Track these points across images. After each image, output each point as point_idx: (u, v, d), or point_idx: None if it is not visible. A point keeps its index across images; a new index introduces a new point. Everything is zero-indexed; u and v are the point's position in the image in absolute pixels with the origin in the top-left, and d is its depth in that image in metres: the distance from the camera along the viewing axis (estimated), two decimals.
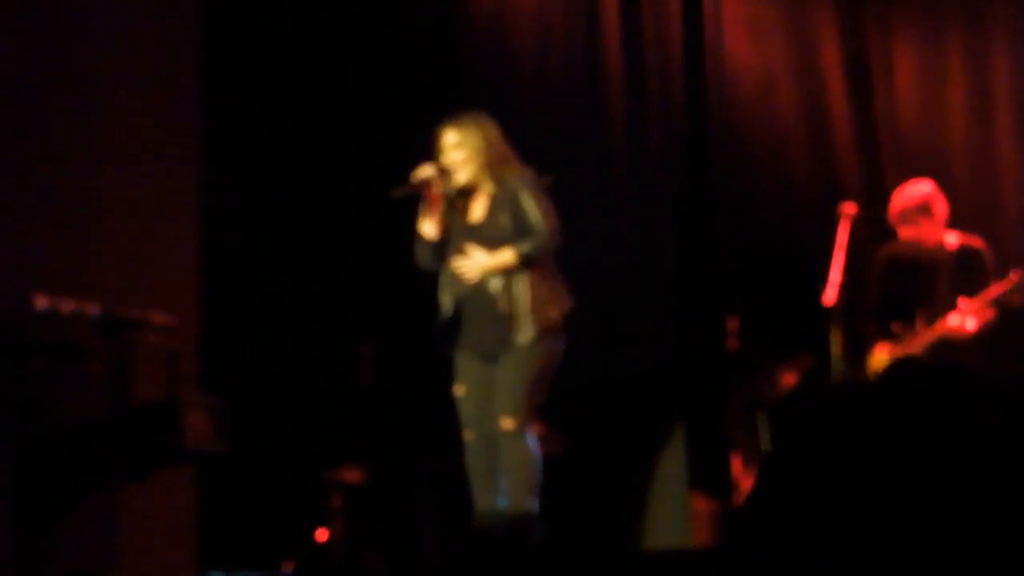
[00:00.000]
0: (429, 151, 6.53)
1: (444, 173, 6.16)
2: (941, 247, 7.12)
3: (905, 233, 7.16)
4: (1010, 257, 7.37)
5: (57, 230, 6.41)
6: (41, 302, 5.82)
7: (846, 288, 6.86)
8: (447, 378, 6.27)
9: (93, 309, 5.94)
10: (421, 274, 6.47)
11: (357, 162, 7.62)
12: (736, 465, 6.97)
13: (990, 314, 6.88)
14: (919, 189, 7.18)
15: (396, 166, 7.48)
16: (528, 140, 6.85)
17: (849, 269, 6.93)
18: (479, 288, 6.14)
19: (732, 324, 7.17)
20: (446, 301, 6.19)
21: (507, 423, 6.00)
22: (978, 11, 8.91)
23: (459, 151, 6.20)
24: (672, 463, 7.18)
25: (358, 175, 7.59)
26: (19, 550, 5.90)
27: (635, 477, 7.26)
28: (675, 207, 8.27)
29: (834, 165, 8.66)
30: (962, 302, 6.87)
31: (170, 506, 6.60)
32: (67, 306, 5.86)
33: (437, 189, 6.16)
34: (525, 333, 6.06)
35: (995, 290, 6.87)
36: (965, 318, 6.85)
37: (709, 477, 7.05)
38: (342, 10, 7.79)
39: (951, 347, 6.87)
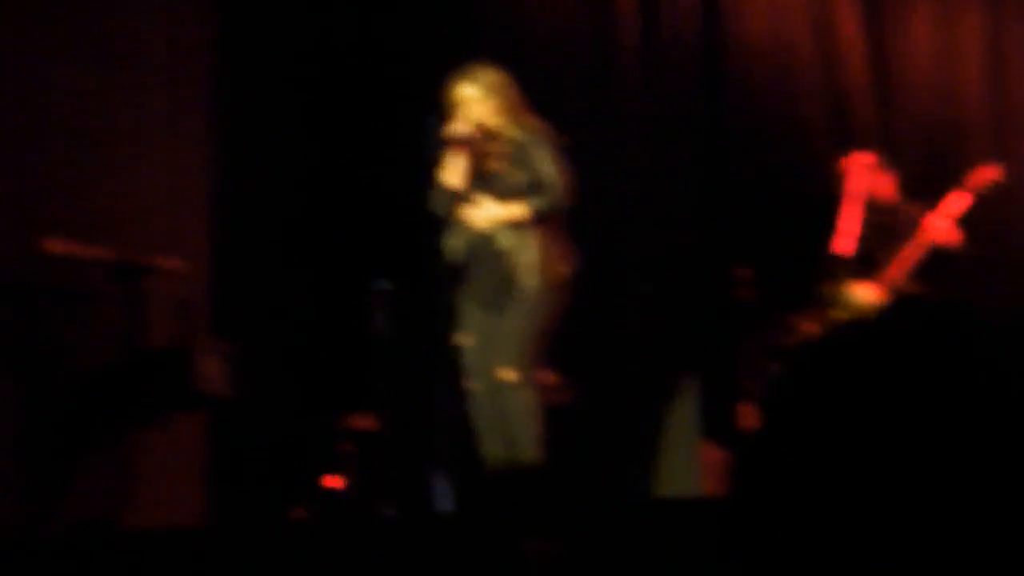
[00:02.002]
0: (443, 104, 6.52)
1: (480, 128, 6.20)
2: (894, 203, 7.15)
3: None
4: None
5: (70, 175, 6.40)
6: (54, 246, 5.83)
7: (860, 236, 6.87)
8: (455, 326, 6.29)
9: (107, 254, 5.95)
10: (436, 220, 6.46)
11: (370, 111, 7.59)
12: (749, 416, 6.97)
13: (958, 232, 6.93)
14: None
15: (410, 116, 7.48)
16: (542, 89, 6.83)
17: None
18: (487, 239, 6.17)
19: (746, 274, 7.15)
20: (454, 247, 6.19)
21: (508, 374, 6.03)
22: None
23: (482, 103, 6.21)
24: (685, 413, 7.17)
25: (371, 125, 7.57)
26: (32, 494, 5.91)
27: (647, 426, 7.25)
28: (688, 157, 8.24)
29: (849, 115, 8.61)
30: (933, 216, 6.91)
31: (182, 451, 6.60)
32: (80, 251, 5.86)
33: (473, 143, 6.20)
34: (530, 286, 6.08)
35: (960, 192, 6.94)
36: (942, 223, 6.89)
37: (721, 427, 7.05)
38: None
39: (946, 262, 6.92)
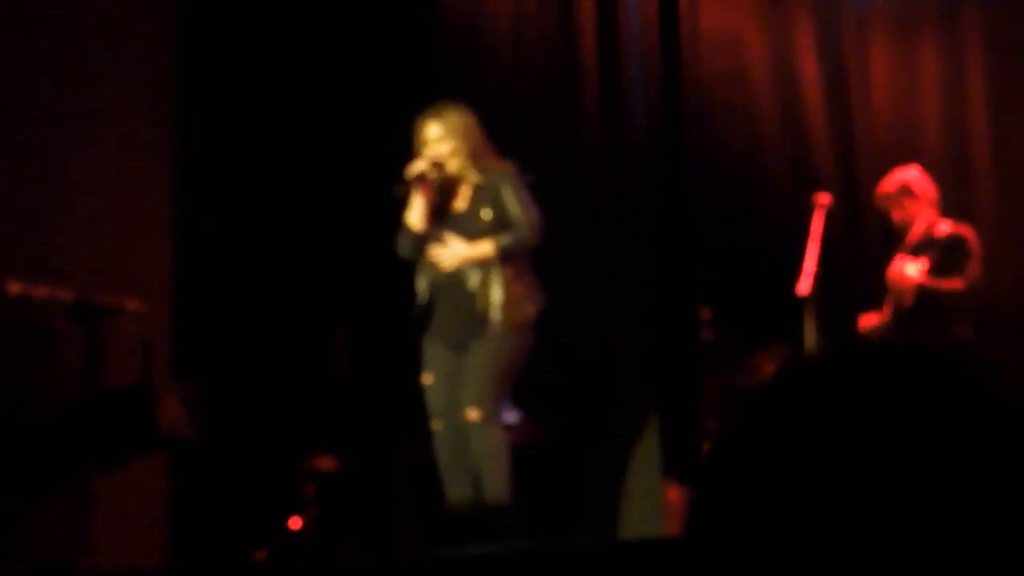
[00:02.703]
0: (405, 141, 6.52)
1: (437, 166, 6.20)
2: (931, 232, 7.17)
3: (895, 216, 7.23)
4: (989, 244, 7.43)
5: (31, 215, 6.39)
6: (14, 287, 5.80)
7: (820, 278, 6.88)
8: (419, 366, 6.28)
9: (66, 295, 5.92)
10: (396, 262, 6.46)
11: (333, 151, 7.61)
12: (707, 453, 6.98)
13: (952, 282, 6.95)
14: (903, 173, 7.28)
15: (371, 156, 7.50)
16: (503, 131, 6.86)
17: (823, 259, 6.96)
18: (455, 278, 6.16)
19: (706, 314, 7.16)
20: (422, 288, 6.20)
21: (473, 414, 6.02)
22: (953, 5, 8.91)
23: (444, 143, 6.24)
24: (647, 452, 7.17)
25: (334, 164, 7.59)
26: None
27: (609, 466, 7.25)
28: (649, 197, 8.27)
29: (809, 155, 8.66)
30: (906, 262, 6.95)
31: (143, 493, 6.58)
32: (40, 291, 5.84)
33: (431, 183, 6.20)
34: (497, 326, 6.08)
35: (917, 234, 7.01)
36: (914, 272, 6.92)
37: (683, 466, 7.05)
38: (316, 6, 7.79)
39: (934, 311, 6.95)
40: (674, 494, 6.89)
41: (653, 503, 6.95)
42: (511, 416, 6.50)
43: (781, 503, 1.03)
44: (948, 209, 7.75)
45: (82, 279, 6.15)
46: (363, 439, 6.78)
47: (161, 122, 7.03)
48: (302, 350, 7.19)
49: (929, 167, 8.22)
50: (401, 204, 6.35)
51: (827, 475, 1.02)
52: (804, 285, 6.84)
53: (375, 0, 7.96)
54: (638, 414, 7.33)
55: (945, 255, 7.05)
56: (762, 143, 8.58)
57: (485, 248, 6.15)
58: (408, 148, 6.60)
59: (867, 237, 8.06)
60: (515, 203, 6.23)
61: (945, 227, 7.19)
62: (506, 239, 6.16)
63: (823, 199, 7.12)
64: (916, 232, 7.18)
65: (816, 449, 1.05)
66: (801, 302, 6.91)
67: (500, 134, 6.57)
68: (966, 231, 7.19)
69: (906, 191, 7.20)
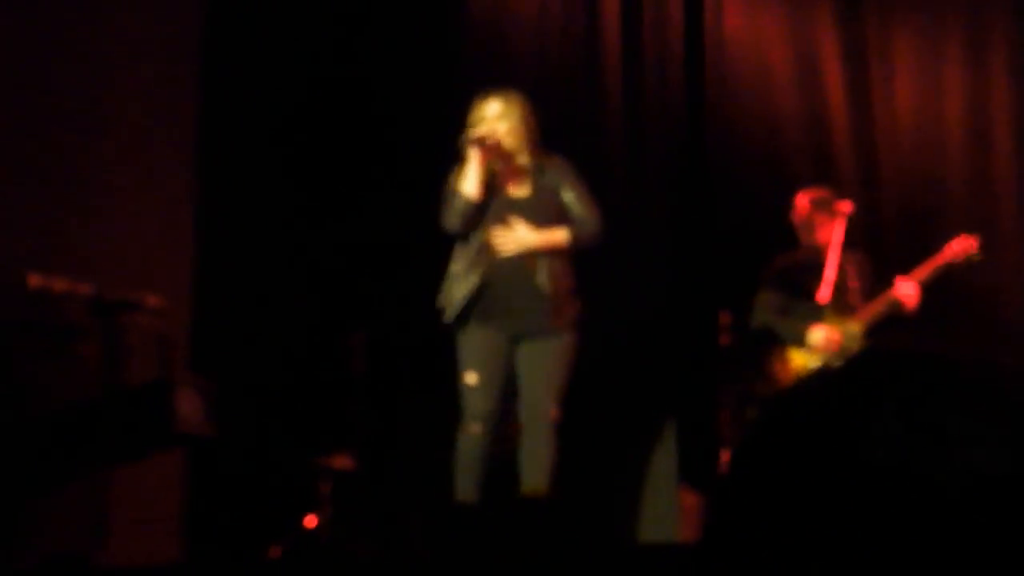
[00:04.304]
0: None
1: (500, 147, 6.09)
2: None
3: (809, 239, 7.20)
4: (1008, 260, 7.42)
5: (52, 210, 6.40)
6: (34, 281, 5.82)
7: (839, 287, 6.88)
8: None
9: (86, 289, 5.94)
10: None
11: (356, 149, 7.61)
12: (727, 461, 6.97)
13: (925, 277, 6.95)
14: (821, 195, 7.24)
15: (395, 156, 7.50)
16: None
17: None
18: (518, 265, 6.04)
19: (725, 319, 7.15)
20: (472, 275, 6.07)
21: (553, 412, 5.98)
22: (977, 12, 8.90)
23: (502, 121, 6.12)
24: (663, 458, 7.17)
25: (357, 163, 7.59)
26: (7, 531, 5.88)
27: (626, 472, 7.25)
28: (670, 201, 8.27)
29: (831, 162, 8.65)
30: (899, 279, 6.93)
31: (159, 488, 6.58)
32: (60, 286, 5.85)
33: (489, 149, 6.06)
34: (567, 319, 6.04)
35: (938, 259, 6.95)
36: (909, 288, 6.89)
37: (699, 473, 7.04)
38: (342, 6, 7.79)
39: (893, 322, 6.92)
40: (689, 500, 6.89)
41: (669, 509, 6.95)
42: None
43: (800, 512, 1.03)
44: (968, 215, 7.73)
45: (102, 274, 6.16)
46: (379, 439, 6.78)
47: (184, 117, 7.04)
48: (320, 348, 7.19)
49: (952, 172, 8.22)
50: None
51: (848, 484, 1.01)
52: (824, 293, 6.83)
53: (402, 1, 7.95)
54: (656, 419, 7.32)
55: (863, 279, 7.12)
56: (785, 148, 8.58)
57: (559, 237, 6.08)
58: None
59: (888, 244, 8.04)
60: (581, 196, 6.18)
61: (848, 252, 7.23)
62: (578, 230, 6.10)
63: (844, 207, 7.10)
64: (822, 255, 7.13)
65: (836, 457, 1.04)
66: (821, 309, 6.91)
67: None
68: (863, 257, 7.26)
69: (827, 214, 7.17)
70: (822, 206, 7.16)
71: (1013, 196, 8.61)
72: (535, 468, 6.02)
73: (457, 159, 6.22)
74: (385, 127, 7.60)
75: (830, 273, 6.85)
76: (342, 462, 6.56)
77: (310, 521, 6.43)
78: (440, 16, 8.01)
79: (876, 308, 6.98)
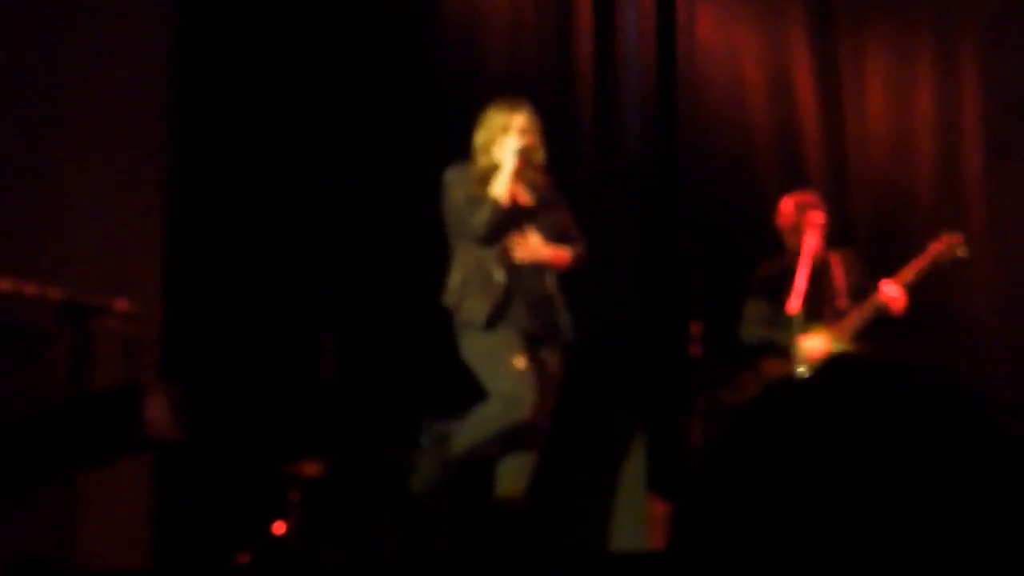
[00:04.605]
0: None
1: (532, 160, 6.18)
2: (826, 258, 7.18)
3: (791, 243, 7.22)
4: (977, 263, 7.45)
5: (21, 214, 6.37)
6: (3, 285, 5.79)
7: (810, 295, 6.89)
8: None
9: (55, 294, 5.91)
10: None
11: (324, 151, 7.60)
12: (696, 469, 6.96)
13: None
14: (807, 200, 7.25)
15: (366, 160, 7.49)
16: None
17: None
18: (531, 273, 6.14)
19: (696, 329, 7.16)
20: (497, 277, 6.10)
21: (545, 423, 6.05)
22: (948, 21, 8.94)
23: (532, 135, 6.19)
24: (633, 467, 7.17)
25: (327, 166, 7.58)
26: None
27: (596, 480, 7.25)
28: (641, 211, 8.28)
29: (802, 171, 8.68)
30: (884, 281, 6.95)
31: (128, 494, 6.56)
32: (29, 290, 5.83)
33: (524, 162, 6.15)
34: (566, 335, 6.10)
35: (920, 262, 6.98)
36: (895, 291, 6.92)
37: (668, 481, 7.05)
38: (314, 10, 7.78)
39: (880, 327, 6.94)
40: (658, 508, 6.89)
41: (638, 517, 6.95)
42: None
43: (766, 518, 1.03)
44: (937, 224, 7.76)
45: (71, 278, 6.13)
46: (349, 445, 6.77)
47: (154, 121, 7.01)
48: (291, 354, 7.18)
49: (922, 181, 8.25)
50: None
51: (812, 491, 1.02)
52: (795, 303, 6.85)
53: (375, 3, 7.95)
54: (626, 428, 7.32)
55: (851, 280, 7.12)
56: (756, 156, 8.61)
57: (565, 255, 6.20)
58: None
59: (858, 252, 8.06)
60: (573, 220, 6.29)
61: (831, 255, 7.24)
62: (576, 252, 6.23)
63: (816, 218, 7.12)
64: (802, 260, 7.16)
65: (801, 465, 1.05)
66: (791, 320, 6.92)
67: None
68: (852, 254, 7.27)
69: (811, 220, 7.19)
70: (807, 211, 7.19)
71: (981, 205, 8.65)
72: (516, 472, 6.06)
73: (445, 161, 6.27)
74: (358, 129, 7.59)
75: (800, 283, 6.86)
76: (311, 469, 6.54)
77: (278, 527, 6.42)
78: (413, 18, 8.00)
79: (862, 313, 7.00)
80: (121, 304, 6.01)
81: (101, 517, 6.29)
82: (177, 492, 6.86)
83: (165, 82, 7.08)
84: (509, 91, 7.94)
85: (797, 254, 7.13)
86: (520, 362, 6.00)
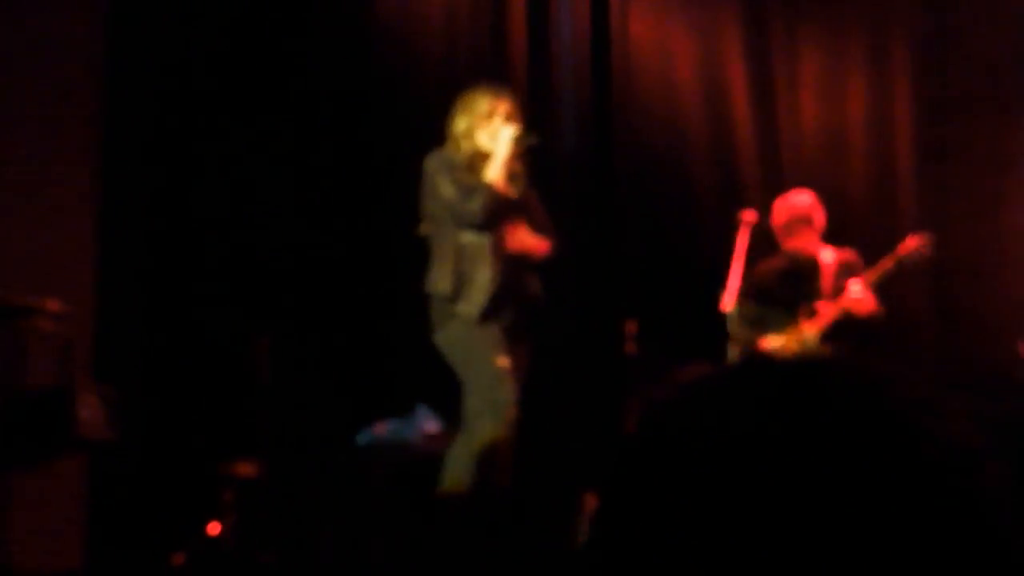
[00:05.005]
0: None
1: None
2: (817, 261, 7.20)
3: (789, 244, 7.24)
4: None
5: None
6: None
7: (743, 294, 6.92)
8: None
9: None
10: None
11: (256, 148, 7.56)
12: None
13: (876, 306, 7.00)
14: (801, 199, 7.27)
15: (300, 158, 7.47)
16: (431, 138, 6.84)
17: (747, 275, 7.00)
18: (519, 264, 6.10)
19: (632, 328, 7.18)
20: (488, 269, 6.02)
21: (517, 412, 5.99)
22: (880, 28, 9.02)
23: (518, 121, 6.14)
24: (568, 465, 7.19)
25: (262, 165, 7.55)
26: None
27: (530, 477, 7.27)
28: (576, 211, 8.29)
29: (736, 173, 8.73)
30: (852, 281, 6.98)
31: (61, 495, 6.53)
32: None
33: (519, 148, 6.12)
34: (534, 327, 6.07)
35: (890, 259, 7.01)
36: (861, 292, 6.94)
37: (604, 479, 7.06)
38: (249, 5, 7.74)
39: (850, 328, 6.97)
40: (592, 505, 6.91)
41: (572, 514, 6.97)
42: (431, 425, 6.49)
43: (679, 514, 1.04)
44: (874, 221, 7.82)
45: (1, 278, 6.09)
46: (284, 445, 6.76)
47: (86, 118, 6.97)
48: (225, 354, 7.15)
49: (855, 181, 8.31)
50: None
51: (723, 486, 1.03)
52: (728, 302, 6.88)
53: (307, 6, 7.93)
54: (561, 426, 7.35)
55: (836, 282, 7.10)
56: (691, 160, 8.65)
57: (543, 247, 6.18)
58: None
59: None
60: (545, 211, 6.27)
61: (829, 256, 7.23)
62: (551, 243, 6.20)
63: (748, 216, 7.16)
64: (802, 262, 7.20)
65: (713, 461, 1.06)
66: (724, 318, 6.96)
67: (428, 142, 6.54)
68: (852, 256, 7.25)
69: (805, 220, 7.22)
70: (801, 212, 7.23)
71: (913, 204, 8.73)
72: (461, 467, 6.01)
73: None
74: (292, 126, 7.57)
75: (733, 282, 6.90)
76: (246, 469, 6.53)
77: (213, 528, 6.40)
78: (347, 20, 7.99)
79: (830, 314, 7.03)
80: (53, 304, 5.97)
81: (34, 518, 6.24)
82: (110, 493, 6.82)
83: (97, 78, 7.04)
84: (444, 89, 7.97)
85: (789, 254, 7.18)
86: (504, 361, 5.94)
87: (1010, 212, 8.46)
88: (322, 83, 7.73)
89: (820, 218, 7.26)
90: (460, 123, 6.17)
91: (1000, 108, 8.62)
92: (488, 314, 5.97)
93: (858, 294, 6.95)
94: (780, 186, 8.59)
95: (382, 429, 6.43)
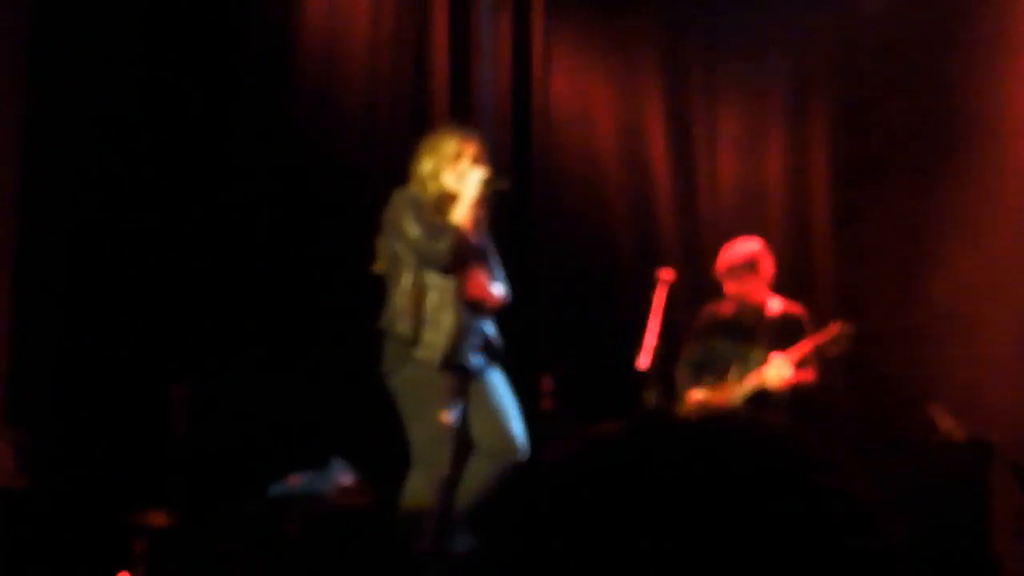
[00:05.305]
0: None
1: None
2: (762, 309, 7.24)
3: (731, 288, 7.27)
4: (822, 318, 7.54)
5: None
6: None
7: (660, 353, 6.93)
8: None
9: None
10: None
11: (173, 193, 7.52)
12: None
13: (806, 373, 7.01)
14: (748, 246, 7.31)
15: (217, 197, 7.43)
16: (354, 194, 6.87)
17: (664, 334, 7.02)
18: (478, 309, 6.06)
19: (547, 384, 7.19)
20: (449, 315, 5.96)
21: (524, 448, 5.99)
22: (799, 82, 9.13)
23: (481, 165, 6.09)
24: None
25: (176, 207, 7.50)
26: None
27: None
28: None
29: (654, 231, 8.79)
30: (775, 355, 6.99)
31: None
32: None
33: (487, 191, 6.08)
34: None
35: (810, 343, 7.01)
36: (780, 370, 6.96)
37: None
38: (180, 37, 7.70)
39: (764, 400, 6.98)
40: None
41: None
42: (345, 478, 6.46)
43: (566, 570, 1.05)
44: (790, 282, 7.88)
45: None
46: (196, 495, 6.71)
47: (4, 169, 6.92)
48: (139, 402, 7.10)
49: (772, 238, 8.37)
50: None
51: (613, 543, 1.04)
52: (644, 360, 6.89)
53: (230, 36, 7.90)
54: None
55: (779, 336, 7.13)
56: (609, 214, 8.70)
57: (499, 294, 6.15)
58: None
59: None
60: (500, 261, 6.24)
61: (776, 305, 7.27)
62: (504, 295, 6.17)
63: (666, 274, 7.18)
64: (747, 309, 7.26)
65: (603, 519, 1.07)
66: (641, 376, 6.96)
67: (351, 198, 6.56)
68: (798, 310, 7.29)
69: (750, 266, 7.26)
70: (733, 260, 7.25)
71: (830, 260, 8.82)
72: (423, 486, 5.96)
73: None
74: (212, 170, 7.54)
75: (649, 340, 6.91)
76: (157, 519, 6.47)
77: None
78: (268, 71, 8.00)
79: (750, 383, 7.04)
80: None
81: None
82: (18, 540, 6.74)
83: (18, 118, 6.99)
84: (364, 146, 7.98)
85: (735, 300, 7.22)
86: (447, 418, 5.87)
87: (922, 276, 8.55)
88: (243, 138, 7.72)
89: (767, 266, 7.29)
90: (427, 164, 6.10)
91: (914, 174, 8.72)
92: (448, 360, 5.90)
93: (775, 376, 6.98)
94: (698, 245, 8.67)
95: (296, 481, 6.40)
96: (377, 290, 6.26)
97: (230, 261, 7.49)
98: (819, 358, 7.06)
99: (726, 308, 7.33)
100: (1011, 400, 7.89)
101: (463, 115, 8.46)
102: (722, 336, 7.22)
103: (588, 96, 8.93)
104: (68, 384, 7.06)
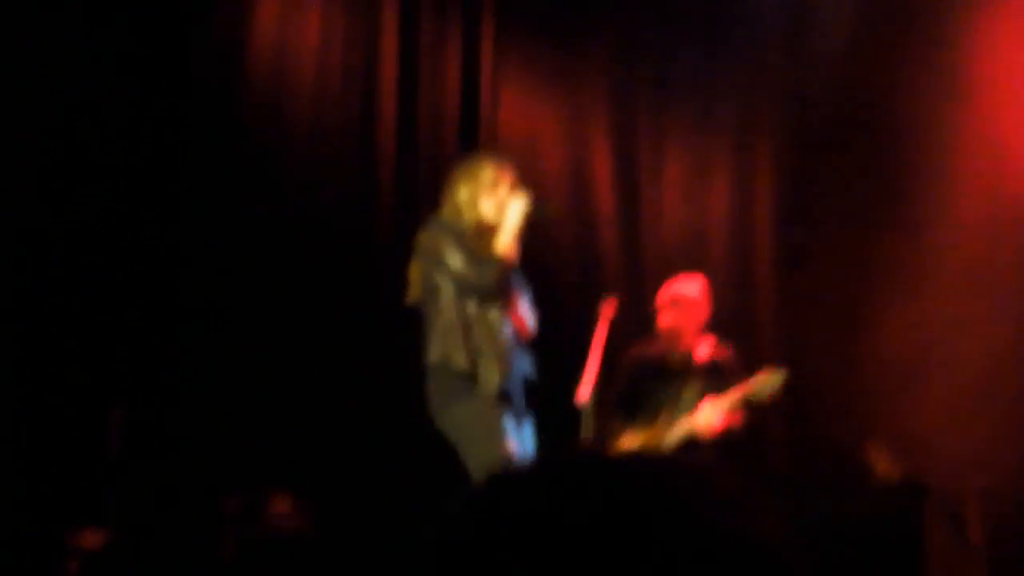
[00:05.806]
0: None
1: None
2: (691, 353, 7.26)
3: (664, 323, 7.29)
4: (763, 361, 7.57)
5: None
6: None
7: (599, 386, 6.94)
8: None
9: None
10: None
11: (115, 216, 7.49)
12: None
13: (736, 416, 7.03)
14: (689, 285, 7.33)
15: (160, 222, 7.40)
16: (299, 223, 6.87)
17: (605, 367, 7.03)
18: (517, 341, 5.89)
19: None
20: (501, 345, 5.77)
21: None
22: (746, 114, 9.17)
23: (520, 192, 5.91)
24: None
25: (116, 230, 7.47)
26: None
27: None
28: None
29: (598, 265, 8.82)
30: (707, 400, 7.00)
31: None
32: None
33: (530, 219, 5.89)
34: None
35: (740, 389, 7.02)
36: (709, 417, 6.96)
37: None
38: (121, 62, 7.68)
39: (695, 446, 6.99)
40: None
41: None
42: (281, 502, 6.45)
43: None
44: (729, 316, 7.90)
45: None
46: (131, 516, 6.68)
47: None
48: (75, 423, 7.07)
49: (715, 272, 8.40)
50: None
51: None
52: (584, 393, 6.89)
53: (175, 61, 7.88)
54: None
55: (707, 381, 7.13)
56: (553, 247, 8.71)
57: (533, 325, 5.97)
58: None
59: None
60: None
61: (704, 350, 7.28)
62: (534, 323, 6.00)
63: (608, 308, 7.19)
64: (676, 349, 7.27)
65: (515, 556, 1.09)
66: (580, 411, 6.96)
67: (296, 228, 6.56)
68: (727, 354, 7.30)
69: (686, 305, 7.27)
70: (671, 296, 7.27)
71: (771, 300, 8.88)
72: None
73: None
74: (153, 199, 7.52)
75: (590, 374, 6.91)
76: (91, 539, 6.44)
77: None
78: (218, 93, 7.99)
79: (681, 428, 7.04)
80: None
81: None
82: None
83: None
84: (310, 174, 7.96)
85: (664, 338, 7.23)
86: (512, 446, 5.67)
87: (864, 321, 8.59)
88: (190, 160, 7.71)
89: (703, 307, 7.30)
90: (463, 192, 5.88)
91: (859, 219, 8.78)
92: (504, 393, 5.74)
93: (705, 422, 6.98)
94: (641, 280, 8.70)
95: (232, 503, 6.39)
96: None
97: (170, 284, 7.47)
98: (751, 403, 7.05)
99: (655, 348, 7.33)
100: (953, 449, 7.92)
101: (410, 149, 8.48)
102: (651, 378, 7.22)
103: (535, 126, 8.96)
104: (2, 405, 7.02)
